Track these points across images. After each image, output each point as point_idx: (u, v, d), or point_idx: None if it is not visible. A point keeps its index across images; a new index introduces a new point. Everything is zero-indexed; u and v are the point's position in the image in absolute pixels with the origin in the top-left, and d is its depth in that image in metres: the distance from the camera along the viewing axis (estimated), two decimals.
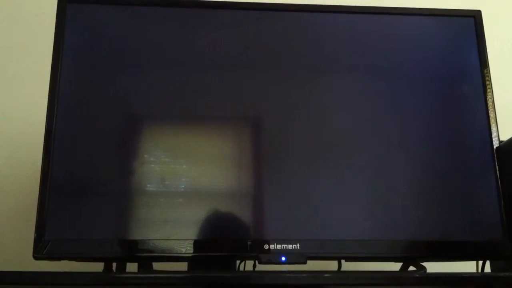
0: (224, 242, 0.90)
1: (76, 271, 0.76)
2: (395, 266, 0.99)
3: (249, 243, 0.89)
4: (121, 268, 0.96)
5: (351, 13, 1.04)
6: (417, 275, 0.85)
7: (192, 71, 0.98)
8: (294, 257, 0.88)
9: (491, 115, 1.00)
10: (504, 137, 0.98)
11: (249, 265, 1.03)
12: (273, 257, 0.88)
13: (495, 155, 0.98)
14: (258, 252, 0.89)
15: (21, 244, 1.03)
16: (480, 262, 1.00)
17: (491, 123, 0.99)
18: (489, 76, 1.02)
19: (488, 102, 1.00)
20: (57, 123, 0.92)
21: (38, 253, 0.87)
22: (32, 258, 0.87)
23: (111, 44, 0.98)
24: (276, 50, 1.01)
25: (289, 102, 0.98)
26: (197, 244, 0.89)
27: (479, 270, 1.00)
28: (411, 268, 0.95)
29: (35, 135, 1.04)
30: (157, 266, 0.97)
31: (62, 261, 0.90)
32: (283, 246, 0.88)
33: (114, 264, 0.95)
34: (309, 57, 1.01)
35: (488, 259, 0.99)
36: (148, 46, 0.98)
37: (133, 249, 0.88)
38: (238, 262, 1.00)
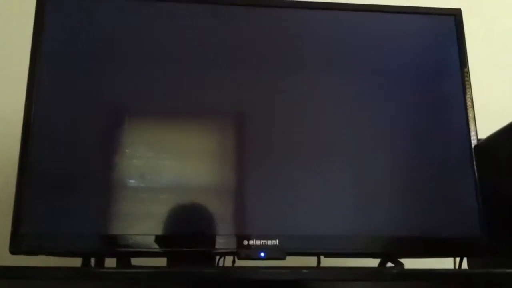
0: (203, 237, 0.90)
1: (54, 266, 0.76)
2: (374, 262, 0.99)
3: (228, 238, 0.89)
4: (100, 263, 0.95)
5: (332, 9, 1.05)
6: (394, 271, 0.86)
7: (176, 65, 0.97)
8: (273, 253, 0.88)
9: (470, 114, 1.01)
10: (483, 136, 0.99)
11: (228, 260, 1.03)
12: (252, 252, 0.88)
13: (474, 153, 0.98)
14: (237, 248, 0.89)
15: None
16: (458, 259, 1.01)
17: (469, 121, 1.00)
18: (469, 75, 1.03)
19: (467, 100, 1.01)
20: (35, 115, 0.91)
21: (15, 248, 0.85)
22: (8, 253, 0.86)
23: (94, 36, 0.97)
24: (260, 46, 1.01)
25: (272, 98, 0.98)
26: (176, 239, 0.88)
27: (457, 267, 1.01)
28: (389, 264, 0.96)
29: (13, 126, 1.03)
30: (136, 261, 0.97)
31: (39, 256, 0.89)
32: (262, 242, 0.88)
33: (92, 260, 0.94)
34: (292, 53, 1.01)
35: (465, 256, 1.00)
36: (132, 38, 0.97)
37: (111, 244, 0.88)
38: (217, 257, 0.99)
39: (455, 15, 1.06)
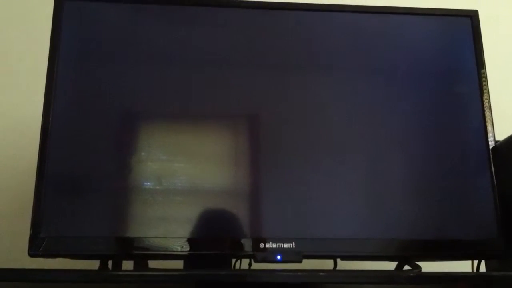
0: (219, 240, 0.90)
1: (72, 268, 0.76)
2: (391, 265, 0.99)
3: (245, 241, 0.90)
4: (117, 265, 0.96)
5: (347, 12, 1.04)
6: (412, 274, 0.86)
7: (189, 69, 0.98)
8: (290, 256, 0.88)
9: (487, 115, 1.00)
10: (500, 137, 0.99)
11: (244, 263, 1.03)
12: (269, 255, 0.88)
13: (491, 155, 0.98)
14: (254, 251, 0.89)
15: (17, 241, 1.02)
16: (475, 262, 1.01)
17: (487, 123, 0.99)
18: (486, 77, 1.02)
19: (484, 102, 1.01)
20: (53, 120, 0.92)
21: (34, 251, 0.86)
22: (27, 256, 0.86)
23: (109, 42, 0.98)
24: (273, 48, 1.01)
25: (286, 100, 0.98)
26: (192, 242, 0.89)
27: (474, 270, 1.00)
28: (406, 267, 0.95)
29: (32, 132, 1.04)
30: (152, 264, 0.97)
31: (57, 259, 0.90)
32: (279, 245, 0.89)
33: (109, 262, 0.95)
34: (305, 55, 1.01)
35: (483, 259, 1.00)
36: (144, 43, 0.98)
37: (128, 247, 0.88)
38: (233, 260, 1.00)
39: (471, 16, 1.06)
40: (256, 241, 0.89)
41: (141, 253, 0.89)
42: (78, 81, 0.95)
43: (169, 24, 1.00)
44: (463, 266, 1.03)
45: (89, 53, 0.97)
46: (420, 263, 0.93)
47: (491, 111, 1.00)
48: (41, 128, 0.92)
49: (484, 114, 1.00)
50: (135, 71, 0.97)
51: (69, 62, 0.95)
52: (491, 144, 0.98)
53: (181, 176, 0.93)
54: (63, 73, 0.95)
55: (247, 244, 0.89)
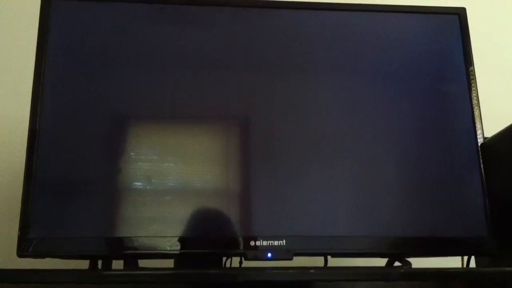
0: (210, 239, 0.90)
1: (61, 268, 0.76)
2: (381, 262, 0.99)
3: (235, 239, 0.89)
4: (107, 265, 0.95)
5: (335, 10, 1.05)
6: (402, 271, 0.86)
7: (180, 69, 0.97)
8: (280, 254, 0.88)
9: (476, 112, 1.00)
10: (489, 134, 0.99)
11: (235, 262, 1.03)
12: (260, 253, 0.88)
13: (480, 152, 0.98)
14: (244, 249, 0.89)
15: (6, 242, 1.02)
16: (465, 258, 1.01)
17: (475, 120, 1.00)
18: (474, 74, 1.03)
19: (473, 99, 1.01)
20: (41, 119, 0.91)
21: (22, 251, 0.86)
22: (16, 256, 0.86)
23: (97, 42, 0.97)
24: (263, 48, 1.01)
25: (277, 100, 0.98)
26: (183, 241, 0.88)
27: (464, 266, 1.01)
28: (397, 263, 0.96)
29: (20, 132, 1.03)
30: (143, 263, 0.97)
31: (47, 259, 0.89)
32: (269, 243, 0.88)
33: (99, 262, 0.94)
34: (295, 55, 1.01)
35: (473, 255, 1.00)
36: (134, 44, 0.98)
37: (119, 247, 0.88)
38: (224, 259, 0.99)
39: (459, 14, 1.06)
40: (247, 239, 0.89)
41: (131, 253, 0.89)
42: (66, 81, 0.95)
43: (158, 24, 0.99)
44: (453, 262, 1.04)
45: (77, 53, 0.96)
46: (410, 259, 0.93)
47: (479, 108, 1.01)
48: (29, 128, 0.91)
49: (473, 111, 1.00)
50: (125, 71, 0.96)
51: (57, 62, 0.95)
52: (480, 141, 0.99)
53: (171, 176, 0.92)
54: (51, 73, 0.94)
55: (237, 242, 0.89)
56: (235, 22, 1.02)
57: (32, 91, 0.93)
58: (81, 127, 0.93)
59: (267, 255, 0.88)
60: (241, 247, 0.89)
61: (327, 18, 1.04)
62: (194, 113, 0.97)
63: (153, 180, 0.92)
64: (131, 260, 0.94)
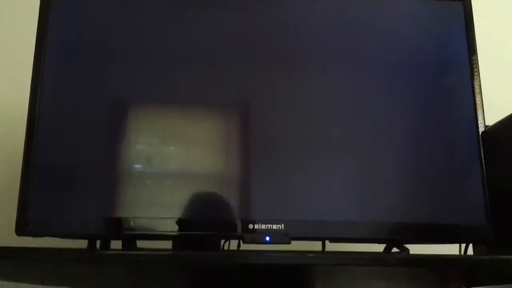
0: (209, 221, 0.90)
1: (59, 247, 0.76)
2: (379, 248, 0.99)
3: (233, 223, 0.90)
4: (105, 245, 0.96)
5: None
6: (399, 256, 0.86)
7: (180, 55, 0.97)
8: (279, 237, 0.89)
9: (478, 100, 1.00)
10: (490, 123, 0.99)
11: (233, 245, 1.03)
12: (258, 237, 0.88)
13: (481, 140, 0.98)
14: (243, 232, 0.89)
15: (5, 220, 1.02)
16: (463, 246, 1.01)
17: (477, 108, 1.00)
18: (477, 62, 1.02)
19: (475, 88, 1.01)
20: (40, 104, 0.91)
21: (21, 230, 0.86)
22: (15, 235, 0.86)
23: (97, 29, 0.97)
24: (264, 36, 1.00)
25: (277, 87, 0.98)
26: (181, 223, 0.89)
27: (462, 253, 1.01)
28: (395, 249, 0.96)
29: (20, 115, 1.03)
30: (141, 244, 0.97)
31: (46, 239, 0.89)
32: (268, 226, 0.89)
33: (98, 242, 0.95)
34: (296, 44, 1.00)
35: (471, 243, 1.00)
36: (134, 30, 0.97)
37: (117, 227, 0.88)
38: (222, 241, 1.00)
39: (464, 1, 1.05)
40: (245, 222, 0.89)
41: (130, 233, 0.89)
42: (66, 67, 0.95)
43: (158, 12, 0.99)
44: (451, 249, 1.04)
45: (77, 40, 0.96)
46: (407, 246, 0.94)
47: (481, 96, 1.00)
48: (28, 109, 0.91)
49: (475, 99, 1.00)
50: (124, 57, 0.96)
51: (57, 47, 0.95)
52: (481, 129, 0.98)
53: (171, 159, 0.92)
54: (50, 59, 0.94)
55: (236, 225, 0.89)
56: (235, 10, 1.01)
57: (32, 77, 0.93)
58: (81, 110, 0.93)
59: (265, 238, 0.88)
60: (239, 230, 0.89)
61: (329, 6, 1.03)
62: (195, 99, 0.96)
63: (153, 163, 0.92)
64: (129, 241, 0.94)
